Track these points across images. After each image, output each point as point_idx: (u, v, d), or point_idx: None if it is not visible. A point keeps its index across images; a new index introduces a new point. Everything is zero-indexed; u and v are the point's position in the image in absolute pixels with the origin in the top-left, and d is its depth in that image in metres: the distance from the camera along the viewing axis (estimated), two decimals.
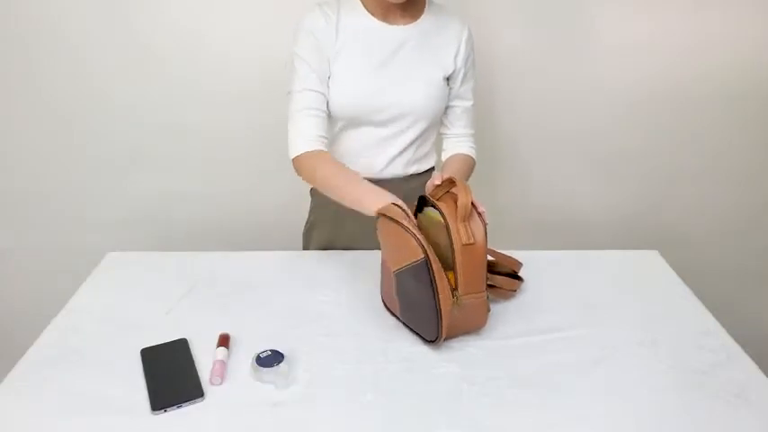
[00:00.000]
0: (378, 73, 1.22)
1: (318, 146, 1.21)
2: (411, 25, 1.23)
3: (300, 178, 1.25)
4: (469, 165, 1.33)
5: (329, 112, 1.25)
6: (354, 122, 1.26)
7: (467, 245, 0.97)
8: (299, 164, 1.22)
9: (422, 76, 1.24)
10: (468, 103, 1.33)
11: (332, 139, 1.31)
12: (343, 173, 1.18)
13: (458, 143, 1.35)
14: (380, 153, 1.29)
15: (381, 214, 1.04)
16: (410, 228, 0.97)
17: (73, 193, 1.87)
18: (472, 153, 1.35)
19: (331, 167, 1.19)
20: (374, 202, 1.06)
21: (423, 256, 0.96)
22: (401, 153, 1.30)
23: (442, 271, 0.97)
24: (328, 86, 1.22)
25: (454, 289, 0.98)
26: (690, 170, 1.91)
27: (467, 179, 1.31)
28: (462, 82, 1.30)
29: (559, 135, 1.86)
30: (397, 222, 0.99)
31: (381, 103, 1.23)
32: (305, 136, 1.20)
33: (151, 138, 1.80)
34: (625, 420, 0.90)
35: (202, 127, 1.79)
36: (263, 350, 0.99)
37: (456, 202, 1.00)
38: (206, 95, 1.75)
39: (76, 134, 1.79)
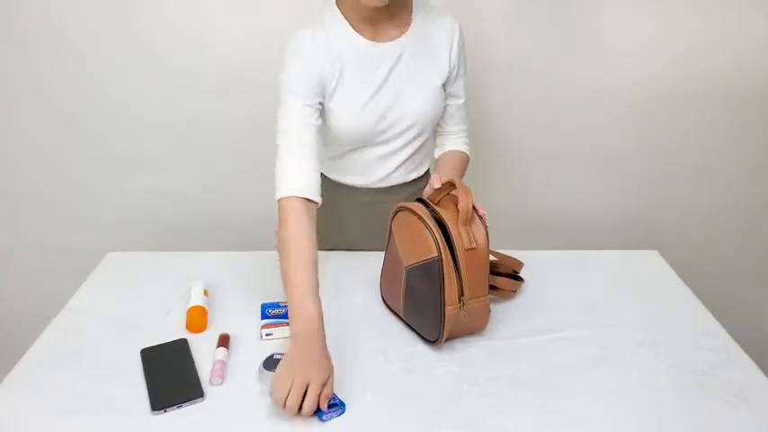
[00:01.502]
0: (378, 95, 1.18)
1: (304, 192, 1.08)
2: (402, 38, 1.18)
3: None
4: (464, 161, 1.32)
5: (320, 142, 1.17)
6: (359, 145, 1.24)
7: (469, 249, 0.97)
8: (281, 210, 1.09)
9: (422, 87, 1.21)
10: (461, 101, 1.31)
11: (334, 158, 1.29)
12: (298, 261, 1.02)
13: (451, 139, 1.33)
14: (384, 166, 1.28)
15: (403, 207, 1.04)
16: (430, 224, 0.98)
17: (73, 193, 1.87)
18: (466, 149, 1.34)
19: (299, 259, 1.03)
20: (296, 322, 0.96)
21: (436, 254, 0.96)
22: (404, 162, 1.29)
23: (453, 273, 0.97)
24: (321, 117, 1.16)
25: (461, 295, 0.98)
26: (690, 170, 1.91)
27: (462, 175, 1.30)
28: (455, 80, 1.27)
29: (559, 135, 1.86)
30: (418, 217, 0.99)
31: (385, 125, 1.21)
32: (291, 177, 1.09)
33: (151, 138, 1.80)
34: (625, 420, 0.90)
35: (202, 127, 1.79)
36: (277, 353, 0.98)
37: (456, 205, 1.00)
38: (206, 95, 1.75)
39: (76, 134, 1.79)
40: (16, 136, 1.78)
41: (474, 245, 0.98)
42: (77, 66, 1.70)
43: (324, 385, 0.89)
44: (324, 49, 1.13)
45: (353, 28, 1.15)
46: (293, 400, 0.86)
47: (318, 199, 1.11)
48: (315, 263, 1.03)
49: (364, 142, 1.23)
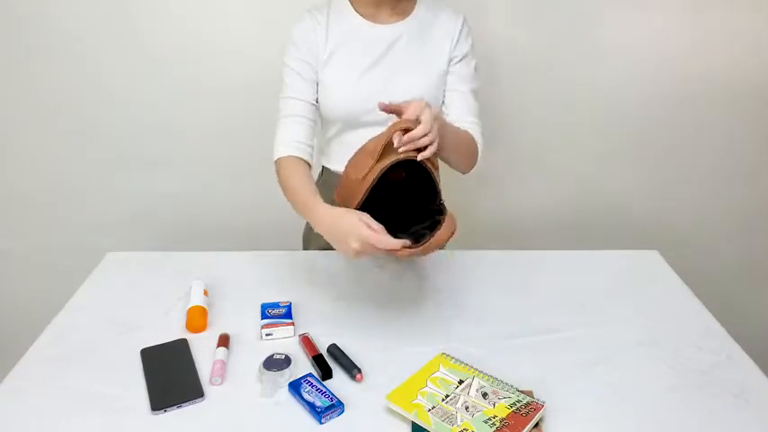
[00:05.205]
0: (369, 74, 1.21)
1: (296, 152, 1.19)
2: (401, 23, 1.23)
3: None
4: (468, 137, 1.24)
5: (317, 119, 1.25)
6: (350, 125, 1.25)
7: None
8: (276, 167, 1.21)
9: (416, 73, 1.23)
10: (465, 87, 1.26)
11: (329, 142, 1.31)
12: (304, 183, 1.14)
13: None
14: None
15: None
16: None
17: (73, 193, 1.87)
18: (477, 137, 1.26)
19: (296, 177, 1.15)
20: (322, 214, 1.04)
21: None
22: None
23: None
24: (317, 92, 1.22)
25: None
26: (690, 170, 1.91)
27: (459, 146, 1.21)
28: (460, 68, 1.26)
29: (559, 135, 1.86)
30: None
31: (374, 104, 1.21)
32: (285, 141, 1.20)
33: (151, 138, 1.80)
34: (625, 420, 0.90)
35: (202, 127, 1.79)
36: (277, 353, 0.99)
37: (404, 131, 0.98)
38: (206, 95, 1.75)
39: (76, 134, 1.79)
40: (16, 136, 1.78)
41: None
42: (78, 66, 1.70)
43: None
44: (319, 25, 1.21)
45: (356, 10, 1.22)
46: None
47: (311, 161, 1.21)
48: (310, 178, 1.16)
49: (354, 121, 1.24)
